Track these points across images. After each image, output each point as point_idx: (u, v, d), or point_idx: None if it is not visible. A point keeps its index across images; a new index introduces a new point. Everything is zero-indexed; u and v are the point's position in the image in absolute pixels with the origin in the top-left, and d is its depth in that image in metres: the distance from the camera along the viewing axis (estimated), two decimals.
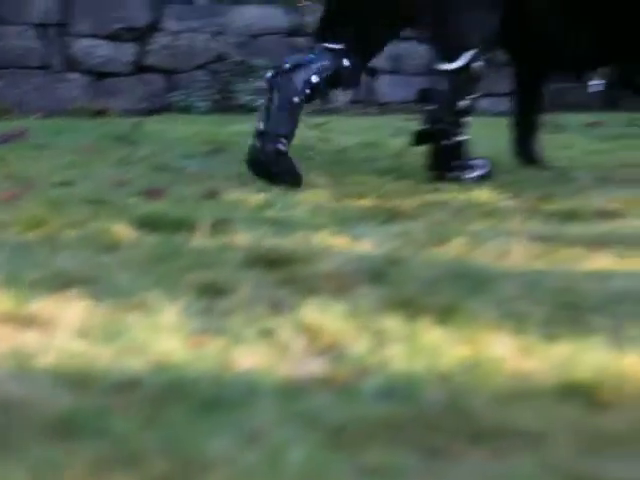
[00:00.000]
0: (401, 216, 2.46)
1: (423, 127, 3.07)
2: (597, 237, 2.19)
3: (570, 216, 2.47)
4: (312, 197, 2.68)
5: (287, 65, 3.00)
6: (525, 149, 3.52)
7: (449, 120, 3.02)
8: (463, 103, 3.04)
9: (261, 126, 2.95)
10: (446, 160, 3.07)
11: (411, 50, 6.64)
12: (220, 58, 6.14)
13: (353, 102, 6.37)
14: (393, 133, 4.54)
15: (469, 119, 3.08)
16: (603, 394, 1.23)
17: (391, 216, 2.46)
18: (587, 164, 3.52)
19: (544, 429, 1.13)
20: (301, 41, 6.39)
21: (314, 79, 2.99)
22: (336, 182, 2.98)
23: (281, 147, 2.94)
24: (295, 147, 3.84)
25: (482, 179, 3.06)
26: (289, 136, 2.97)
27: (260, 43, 6.29)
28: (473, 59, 3.03)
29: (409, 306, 1.57)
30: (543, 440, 1.10)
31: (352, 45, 3.09)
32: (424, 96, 3.15)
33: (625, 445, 1.10)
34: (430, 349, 1.37)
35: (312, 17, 6.44)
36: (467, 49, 3.02)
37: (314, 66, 3.01)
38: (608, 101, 6.41)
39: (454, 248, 2.06)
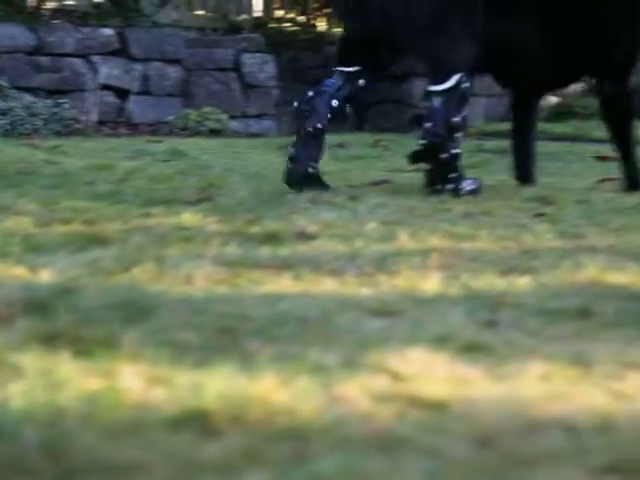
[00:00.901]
0: (100, 242, 2.41)
1: (419, 146, 3.45)
2: (284, 260, 2.24)
3: (269, 239, 2.51)
4: (10, 224, 2.59)
5: (310, 93, 3.48)
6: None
7: (444, 135, 3.40)
8: (455, 120, 3.42)
9: (292, 151, 3.49)
10: (443, 173, 3.44)
11: (162, 71, 6.61)
12: None
13: (101, 122, 6.26)
14: (129, 156, 4.49)
15: (461, 134, 3.48)
16: (219, 421, 1.24)
17: (89, 242, 2.41)
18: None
19: (143, 460, 1.12)
20: (45, 60, 6.21)
21: (334, 103, 3.47)
22: (45, 208, 2.90)
23: (310, 170, 3.45)
24: (14, 170, 3.73)
25: (475, 192, 3.45)
26: (317, 159, 3.48)
27: (0, 62, 6.06)
28: (461, 81, 3.43)
29: (57, 339, 1.53)
30: (139, 472, 1.09)
31: (365, 66, 3.54)
32: (416, 120, 3.62)
33: (218, 472, 1.11)
34: (58, 384, 1.34)
35: (56, 37, 6.26)
36: (455, 72, 3.42)
37: (333, 91, 3.49)
38: (355, 123, 6.64)
39: (137, 275, 2.04)
